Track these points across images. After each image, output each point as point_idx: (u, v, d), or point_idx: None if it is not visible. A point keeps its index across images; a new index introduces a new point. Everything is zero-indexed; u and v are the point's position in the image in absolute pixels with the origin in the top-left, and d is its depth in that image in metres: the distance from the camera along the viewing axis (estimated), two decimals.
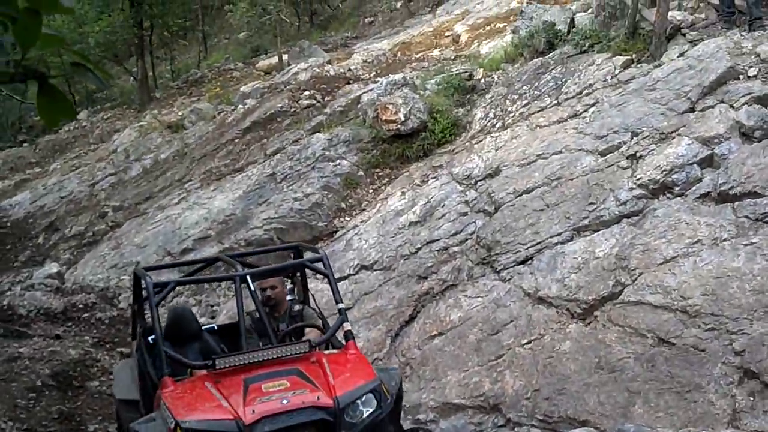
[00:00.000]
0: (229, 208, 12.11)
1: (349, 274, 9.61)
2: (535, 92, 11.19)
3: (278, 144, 13.60)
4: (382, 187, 11.47)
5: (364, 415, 4.62)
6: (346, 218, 11.26)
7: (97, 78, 1.45)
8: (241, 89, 17.94)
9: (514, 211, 8.87)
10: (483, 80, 12.78)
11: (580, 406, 5.93)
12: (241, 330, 5.23)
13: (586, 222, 8.07)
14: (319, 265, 5.80)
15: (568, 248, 7.87)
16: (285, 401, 4.51)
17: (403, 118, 11.76)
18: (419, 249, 9.27)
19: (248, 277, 5.29)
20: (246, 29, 27.50)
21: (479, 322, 7.53)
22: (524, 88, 11.47)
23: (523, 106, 11.10)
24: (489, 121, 11.45)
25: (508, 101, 11.51)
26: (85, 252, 12.39)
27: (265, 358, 4.87)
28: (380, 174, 11.86)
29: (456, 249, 8.91)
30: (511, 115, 11.14)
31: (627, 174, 8.40)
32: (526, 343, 6.95)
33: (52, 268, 11.83)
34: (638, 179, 8.19)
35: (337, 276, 9.58)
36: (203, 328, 6.11)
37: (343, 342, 5.41)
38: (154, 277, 5.58)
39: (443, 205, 9.85)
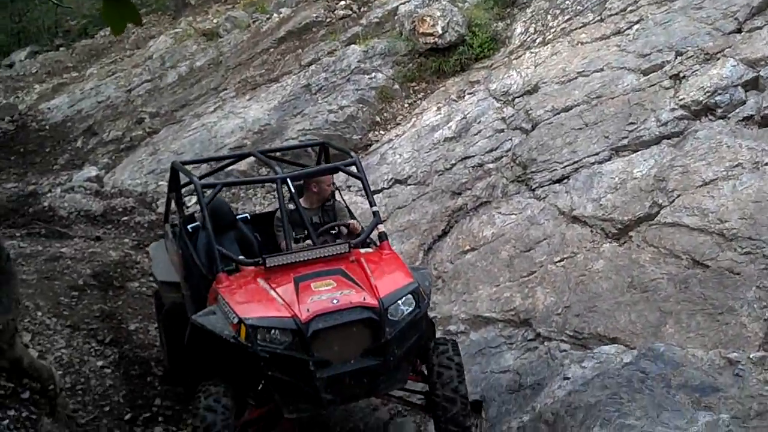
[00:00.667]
0: (264, 118, 12.11)
1: (383, 188, 9.64)
2: (578, 7, 10.88)
3: (313, 55, 13.46)
4: (418, 102, 11.37)
5: (405, 314, 4.91)
6: (381, 132, 11.22)
7: None
8: None
9: (552, 129, 8.78)
10: None
11: (611, 324, 5.99)
12: (285, 232, 5.50)
13: (625, 142, 7.98)
14: (353, 169, 5.95)
15: (605, 168, 7.81)
16: (335, 301, 4.81)
17: (440, 31, 11.55)
18: (454, 165, 9.26)
19: (288, 179, 5.54)
20: None
21: (512, 239, 7.56)
22: (567, 2, 11.16)
23: (565, 22, 10.83)
24: (529, 36, 11.21)
25: (549, 16, 11.22)
26: (123, 157, 12.53)
27: (311, 258, 5.16)
28: (416, 88, 11.73)
29: (491, 166, 8.88)
30: (552, 30, 10.89)
31: (669, 94, 8.24)
32: (559, 261, 6.98)
33: (91, 171, 12.00)
34: (680, 100, 8.04)
35: (371, 189, 9.71)
36: (237, 217, 6.35)
37: (377, 242, 5.66)
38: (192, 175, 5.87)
39: (479, 122, 9.77)
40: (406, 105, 11.47)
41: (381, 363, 4.80)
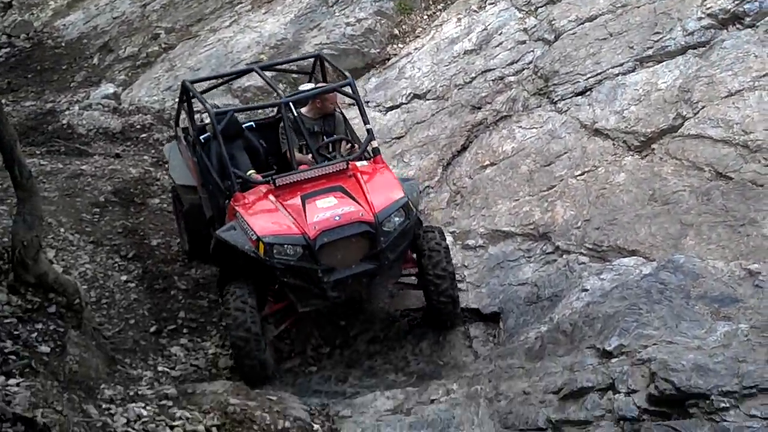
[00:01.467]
0: (281, 33, 11.90)
1: (402, 103, 9.54)
2: None
3: None
4: (437, 13, 11.11)
5: (396, 225, 5.68)
6: (400, 45, 11.00)
7: None
8: None
9: (575, 40, 8.58)
10: None
11: (631, 237, 5.96)
12: (289, 146, 6.14)
13: (650, 52, 7.80)
14: (347, 89, 6.49)
15: (629, 79, 7.66)
16: (337, 218, 5.55)
17: None
18: (474, 78, 9.11)
19: (290, 103, 6.27)
20: None
21: (532, 153, 7.49)
22: None
23: None
24: None
25: None
26: (140, 73, 12.41)
27: (315, 175, 5.91)
28: None
29: (512, 79, 8.72)
30: None
31: (696, 2, 7.98)
32: (579, 175, 6.93)
33: (108, 88, 11.92)
34: (708, 8, 7.80)
35: (389, 105, 9.62)
36: (244, 125, 6.88)
37: (372, 154, 6.32)
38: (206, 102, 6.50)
39: (500, 33, 9.55)
40: (425, 17, 11.21)
41: (377, 266, 5.64)
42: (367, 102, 9.92)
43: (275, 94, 6.64)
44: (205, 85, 7.76)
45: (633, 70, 7.75)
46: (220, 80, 8.01)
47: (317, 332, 6.34)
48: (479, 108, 8.60)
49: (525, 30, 9.32)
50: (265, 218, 5.69)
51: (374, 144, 6.34)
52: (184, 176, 6.97)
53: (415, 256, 6.05)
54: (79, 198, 8.00)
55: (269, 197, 5.86)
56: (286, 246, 5.50)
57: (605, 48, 8.18)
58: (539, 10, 9.47)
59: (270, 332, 5.93)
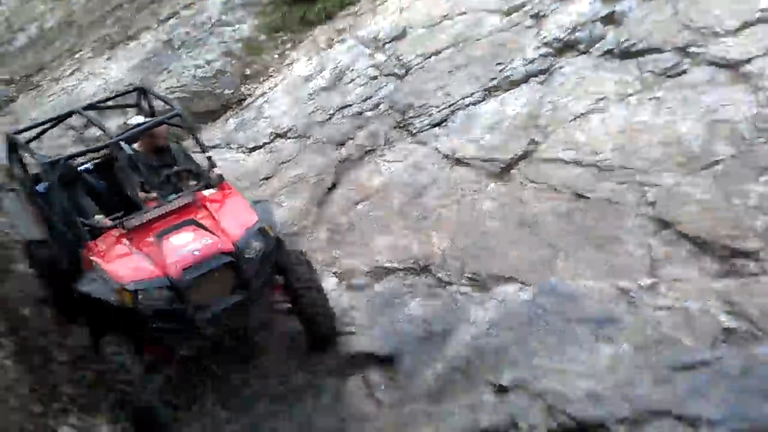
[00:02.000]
0: (127, 78, 11.61)
1: (265, 143, 9.57)
2: None
3: (170, 9, 12.92)
4: (287, 53, 11.22)
5: (257, 250, 5.63)
6: (254, 85, 11.03)
7: None
8: None
9: (424, 73, 9.00)
10: None
11: (505, 263, 6.26)
12: (136, 196, 6.12)
13: (495, 82, 8.31)
14: (177, 120, 6.54)
15: (480, 109, 8.12)
16: (197, 252, 5.45)
17: None
18: (333, 115, 9.31)
19: (121, 142, 6.21)
20: None
21: (401, 186, 7.74)
22: None
23: None
24: None
25: None
26: None
27: (165, 212, 5.82)
28: (284, 38, 11.54)
29: (370, 114, 8.99)
30: None
31: (532, 33, 8.62)
32: (449, 204, 7.21)
33: None
34: (543, 38, 8.44)
35: (252, 145, 9.64)
36: (80, 168, 6.80)
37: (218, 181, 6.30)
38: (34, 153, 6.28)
39: (352, 70, 9.82)
40: (275, 56, 11.30)
41: (247, 295, 5.55)
42: (229, 144, 9.91)
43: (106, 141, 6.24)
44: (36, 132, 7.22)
45: (483, 100, 8.21)
46: (46, 125, 7.22)
47: (213, 396, 6.24)
48: (343, 144, 8.79)
49: (375, 66, 9.63)
50: (123, 264, 5.53)
51: (216, 171, 6.38)
52: (32, 230, 6.73)
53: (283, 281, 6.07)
54: None
55: (123, 241, 5.72)
56: (151, 290, 5.34)
57: (453, 80, 8.62)
58: (386, 46, 9.82)
59: (156, 381, 5.78)
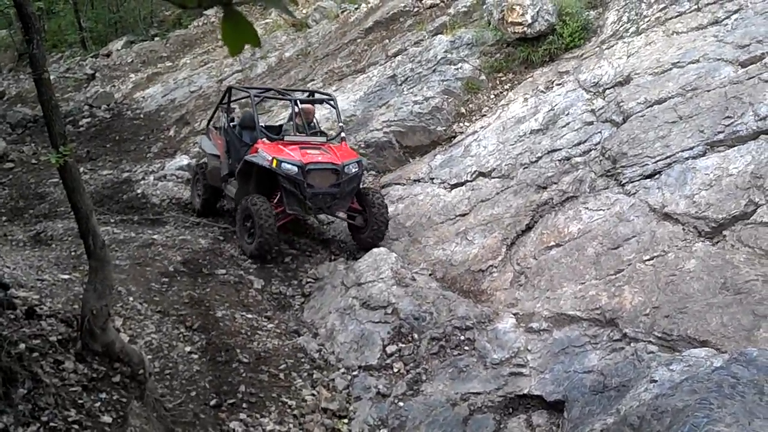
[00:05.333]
0: (350, 109, 12.17)
1: (466, 181, 9.56)
2: None
3: (400, 45, 13.43)
4: (504, 93, 11.19)
5: (351, 171, 8.93)
6: (466, 123, 11.10)
7: (281, 3, 1.41)
8: None
9: (644, 122, 8.51)
10: None
11: (702, 326, 5.75)
12: (294, 124, 9.57)
13: (720, 137, 7.65)
14: (333, 102, 10.02)
15: (699, 163, 7.51)
16: (320, 158, 8.84)
17: (530, 20, 11.35)
18: (540, 158, 9.09)
19: (298, 101, 9.72)
20: None
21: (599, 236, 7.37)
22: None
23: (660, 11, 10.47)
24: (622, 25, 10.89)
25: (643, 4, 10.87)
26: None
27: (306, 140, 9.21)
28: (503, 79, 11.55)
29: (579, 159, 8.67)
30: (646, 19, 10.54)
31: None
32: (648, 260, 6.75)
33: (183, 160, 12.31)
34: None
35: (454, 182, 9.67)
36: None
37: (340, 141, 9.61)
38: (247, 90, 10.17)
39: (567, 113, 9.56)
40: (492, 96, 11.32)
41: (338, 191, 8.87)
42: (432, 178, 10.00)
43: (290, 97, 9.98)
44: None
45: (703, 155, 7.61)
46: (252, 92, 10.20)
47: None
48: (545, 188, 8.55)
49: (592, 111, 9.30)
50: (277, 151, 8.79)
51: (342, 135, 9.63)
52: (211, 148, 10.28)
53: (358, 205, 9.29)
54: (149, 267, 8.16)
55: (278, 145, 8.96)
56: (289, 164, 8.61)
57: (675, 131, 8.08)
58: (607, 91, 9.46)
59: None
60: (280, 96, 10.45)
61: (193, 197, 10.65)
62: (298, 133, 9.43)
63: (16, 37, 24.57)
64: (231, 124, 9.92)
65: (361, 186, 9.37)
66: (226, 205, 10.44)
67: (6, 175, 12.74)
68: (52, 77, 5.62)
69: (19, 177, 12.58)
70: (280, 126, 10.06)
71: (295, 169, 8.56)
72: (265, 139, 9.08)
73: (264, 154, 8.74)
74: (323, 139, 9.39)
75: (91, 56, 21.98)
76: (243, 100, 11.97)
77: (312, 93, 10.56)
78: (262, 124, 9.94)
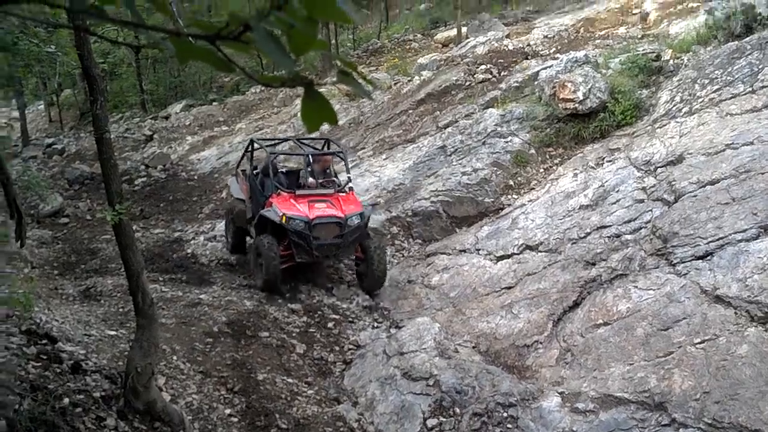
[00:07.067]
0: (399, 178, 12.30)
1: (513, 253, 9.50)
2: (728, 78, 10.50)
3: (450, 117, 13.60)
4: (554, 167, 11.20)
5: (355, 223, 9.67)
6: (514, 196, 11.11)
7: (361, 87, 1.48)
8: (419, 61, 18.07)
9: (696, 202, 8.42)
10: (671, 62, 12.15)
11: (754, 414, 5.56)
12: (305, 178, 10.31)
13: None
14: (342, 155, 10.81)
15: (753, 246, 7.37)
16: (326, 211, 9.62)
17: (581, 97, 11.42)
18: (588, 234, 9.02)
19: (310, 156, 10.49)
20: (427, 0, 27.62)
21: (649, 316, 7.23)
22: (716, 72, 10.79)
23: (714, 92, 10.46)
24: (675, 105, 10.88)
25: (697, 85, 10.88)
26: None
27: (316, 192, 10.01)
28: (552, 153, 11.58)
29: (629, 237, 8.58)
30: (699, 100, 10.53)
31: None
32: (699, 343, 6.59)
33: None
34: None
35: (500, 254, 9.63)
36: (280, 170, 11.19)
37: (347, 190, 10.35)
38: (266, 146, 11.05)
39: (618, 191, 9.51)
40: (541, 170, 11.34)
41: (341, 242, 9.64)
42: (478, 250, 9.97)
43: (303, 153, 10.65)
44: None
45: (757, 238, 7.47)
46: (272, 142, 11.60)
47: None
48: (593, 264, 8.45)
49: (643, 189, 9.24)
50: (288, 206, 9.67)
51: (350, 185, 10.40)
52: (238, 193, 11.20)
53: (361, 252, 10.02)
54: (194, 326, 8.21)
55: (290, 199, 9.82)
56: (297, 220, 9.47)
57: (727, 213, 7.97)
58: (659, 170, 9.41)
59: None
60: (295, 152, 11.57)
61: (226, 236, 11.61)
62: (312, 179, 10.32)
63: (80, 97, 25.57)
64: (254, 172, 10.85)
65: (367, 234, 10.13)
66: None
67: (61, 230, 13.08)
68: (111, 137, 5.82)
69: (73, 232, 12.91)
70: (299, 171, 11.11)
71: (302, 224, 9.46)
72: (280, 191, 10.00)
73: (276, 209, 9.64)
74: (332, 190, 10.20)
75: (150, 118, 22.69)
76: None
77: (327, 142, 11.49)
78: (283, 169, 11.40)
